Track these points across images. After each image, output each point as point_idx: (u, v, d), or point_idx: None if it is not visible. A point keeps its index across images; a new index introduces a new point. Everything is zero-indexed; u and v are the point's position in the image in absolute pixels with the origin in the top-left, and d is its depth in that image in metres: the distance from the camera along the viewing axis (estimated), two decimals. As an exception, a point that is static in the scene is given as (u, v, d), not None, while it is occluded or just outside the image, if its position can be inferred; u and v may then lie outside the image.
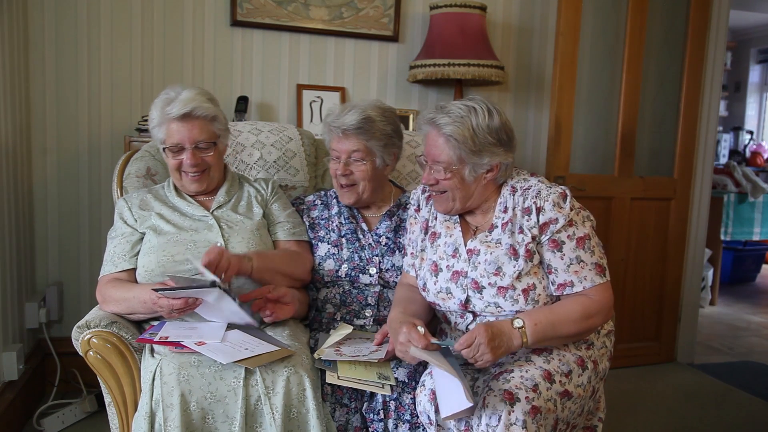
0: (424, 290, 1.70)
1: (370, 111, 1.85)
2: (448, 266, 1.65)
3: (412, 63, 2.94)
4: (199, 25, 2.80)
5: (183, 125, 1.73)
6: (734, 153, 6.12)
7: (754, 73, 7.37)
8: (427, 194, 1.78)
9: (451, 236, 1.69)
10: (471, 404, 1.34)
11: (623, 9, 3.19)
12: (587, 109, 3.38)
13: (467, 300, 1.61)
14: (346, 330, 1.68)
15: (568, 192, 1.59)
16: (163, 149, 1.78)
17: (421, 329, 1.50)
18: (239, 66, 2.86)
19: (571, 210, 1.57)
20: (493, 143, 1.58)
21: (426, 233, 1.75)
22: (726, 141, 6.64)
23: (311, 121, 2.92)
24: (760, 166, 5.76)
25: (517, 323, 1.48)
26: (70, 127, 2.68)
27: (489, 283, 1.58)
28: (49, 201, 2.69)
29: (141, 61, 2.74)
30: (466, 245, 1.65)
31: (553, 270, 1.57)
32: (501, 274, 1.57)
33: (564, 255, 1.55)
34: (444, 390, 1.42)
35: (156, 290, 1.53)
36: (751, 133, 6.78)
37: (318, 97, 2.94)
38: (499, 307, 1.57)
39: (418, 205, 1.81)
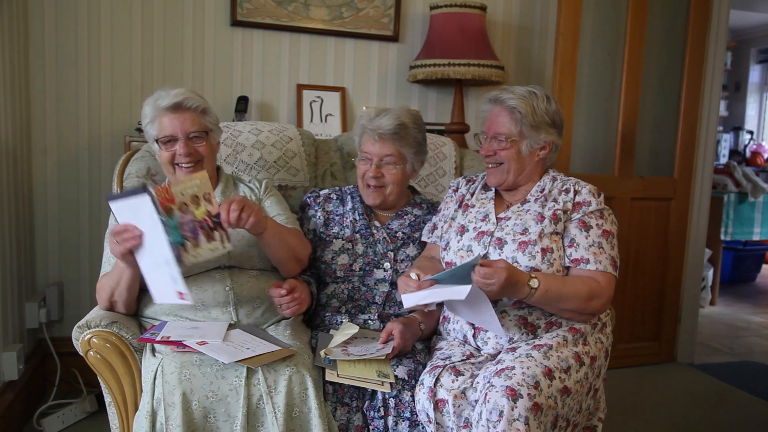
0: (445, 249, 1.79)
1: (404, 117, 1.90)
2: (475, 227, 1.76)
3: (412, 63, 2.94)
4: (199, 25, 2.80)
5: (175, 116, 1.74)
6: (734, 153, 6.12)
7: (754, 73, 7.37)
8: (467, 179, 1.94)
9: (484, 207, 1.81)
10: (469, 286, 1.46)
11: (623, 9, 3.19)
12: (587, 109, 3.38)
13: (485, 256, 1.68)
14: (352, 329, 1.68)
15: (602, 193, 1.74)
16: (156, 141, 1.78)
17: (414, 275, 1.60)
18: (239, 66, 2.86)
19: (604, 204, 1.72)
20: (549, 123, 1.75)
21: (460, 205, 1.86)
22: (726, 141, 6.64)
23: (311, 121, 2.92)
24: (760, 166, 5.76)
25: (533, 283, 1.54)
26: (70, 127, 2.68)
27: (512, 239, 1.68)
28: (49, 201, 2.69)
29: (141, 61, 2.74)
30: (497, 215, 1.78)
31: (574, 245, 1.67)
32: (526, 233, 1.68)
33: (589, 236, 1.67)
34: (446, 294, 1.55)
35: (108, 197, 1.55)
36: (752, 133, 6.77)
37: (318, 97, 2.94)
38: (516, 262, 1.64)
39: (458, 186, 1.94)
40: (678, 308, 3.45)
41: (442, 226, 1.86)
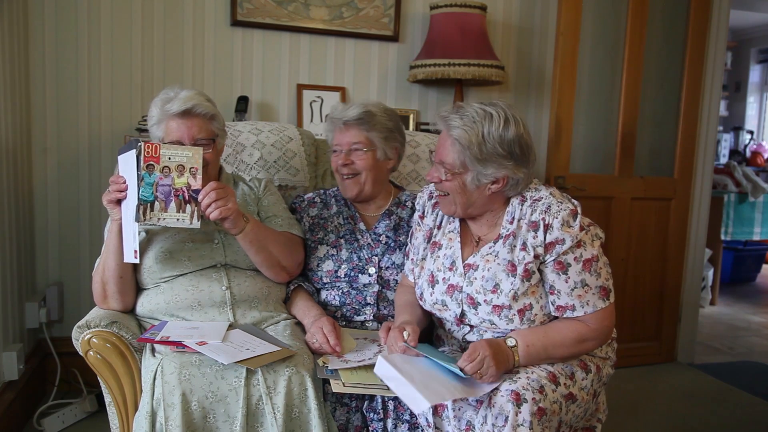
0: (421, 299, 1.70)
1: (372, 107, 1.92)
2: (444, 279, 1.64)
3: (412, 63, 2.94)
4: (199, 25, 2.80)
5: (183, 122, 1.72)
6: (734, 153, 6.12)
7: (755, 73, 7.37)
8: (433, 201, 1.76)
9: (450, 248, 1.67)
10: (428, 403, 1.37)
11: (623, 9, 3.19)
12: (587, 109, 3.38)
13: (462, 314, 1.61)
14: (349, 344, 1.68)
15: (579, 209, 1.53)
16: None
17: (406, 334, 1.53)
18: (239, 66, 2.86)
19: (581, 230, 1.51)
20: (503, 155, 1.52)
21: (428, 242, 1.74)
22: (726, 141, 6.64)
23: (311, 121, 2.92)
24: (761, 165, 5.76)
25: (510, 342, 1.50)
26: (70, 127, 2.68)
27: (485, 300, 1.56)
28: (49, 201, 2.69)
29: (141, 61, 2.74)
30: (465, 259, 1.64)
31: (555, 291, 1.54)
32: (498, 291, 1.54)
33: (569, 278, 1.52)
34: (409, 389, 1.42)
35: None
36: (752, 132, 6.78)
37: (318, 97, 2.94)
38: (494, 324, 1.57)
39: (423, 212, 1.78)
40: (678, 308, 3.45)
41: (413, 259, 1.76)
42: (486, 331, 1.60)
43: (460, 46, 2.80)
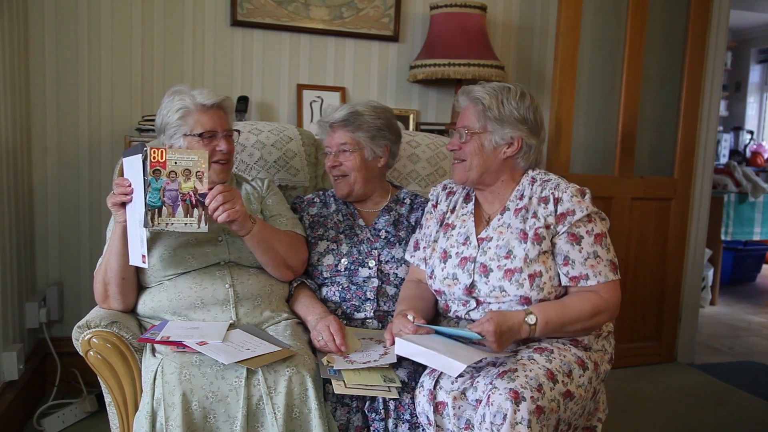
0: (431, 277, 1.75)
1: (360, 107, 1.95)
2: (457, 253, 1.71)
3: (412, 63, 2.94)
4: (199, 25, 2.80)
5: (215, 113, 1.78)
6: (734, 153, 6.12)
7: (755, 73, 7.37)
8: (447, 191, 1.86)
9: (464, 227, 1.75)
10: (463, 365, 1.42)
11: (623, 9, 3.19)
12: (587, 109, 3.38)
13: (472, 284, 1.65)
14: (353, 345, 1.68)
15: (587, 190, 1.66)
16: (185, 136, 1.76)
17: (411, 317, 1.58)
18: (239, 66, 2.86)
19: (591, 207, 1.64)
20: (518, 119, 1.67)
21: (441, 224, 1.81)
22: (726, 141, 6.64)
23: (311, 121, 2.92)
24: (761, 166, 5.76)
25: (530, 320, 1.53)
26: (70, 127, 2.68)
27: (497, 266, 1.62)
28: (49, 201, 2.70)
29: (141, 61, 2.74)
30: (478, 234, 1.71)
31: (570, 262, 1.61)
32: (511, 256, 1.62)
33: (582, 249, 1.60)
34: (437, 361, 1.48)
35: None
36: (752, 133, 6.78)
37: (318, 97, 2.95)
38: (503, 291, 1.61)
39: (437, 201, 1.87)
40: (678, 308, 3.45)
41: (425, 248, 1.82)
42: (494, 302, 1.63)
43: (460, 46, 2.80)
